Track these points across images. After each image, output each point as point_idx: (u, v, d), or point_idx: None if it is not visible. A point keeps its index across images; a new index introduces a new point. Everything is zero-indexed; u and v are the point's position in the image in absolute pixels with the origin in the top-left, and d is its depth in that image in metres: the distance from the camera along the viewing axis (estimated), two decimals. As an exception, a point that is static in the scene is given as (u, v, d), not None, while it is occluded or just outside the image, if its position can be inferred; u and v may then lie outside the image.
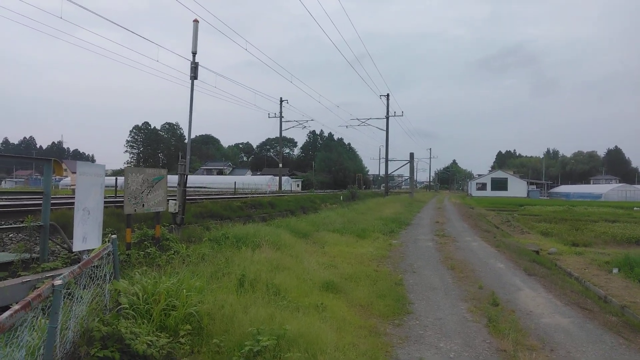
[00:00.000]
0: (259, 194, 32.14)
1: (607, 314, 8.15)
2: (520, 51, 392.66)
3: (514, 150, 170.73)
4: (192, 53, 10.89)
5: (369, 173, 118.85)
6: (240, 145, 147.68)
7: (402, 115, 50.63)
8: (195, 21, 10.70)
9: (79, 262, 4.48)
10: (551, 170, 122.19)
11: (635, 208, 41.33)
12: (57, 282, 3.19)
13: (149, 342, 4.03)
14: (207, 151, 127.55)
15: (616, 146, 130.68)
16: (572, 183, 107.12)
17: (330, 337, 4.97)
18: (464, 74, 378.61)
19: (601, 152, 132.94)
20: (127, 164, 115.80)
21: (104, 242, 6.23)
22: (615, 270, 12.67)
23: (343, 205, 30.47)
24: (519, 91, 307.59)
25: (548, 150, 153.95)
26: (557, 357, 5.44)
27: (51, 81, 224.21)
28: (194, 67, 10.86)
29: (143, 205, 7.85)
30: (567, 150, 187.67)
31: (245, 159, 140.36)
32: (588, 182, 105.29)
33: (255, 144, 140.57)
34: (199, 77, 11.06)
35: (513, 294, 8.58)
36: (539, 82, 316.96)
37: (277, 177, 52.97)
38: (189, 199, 16.86)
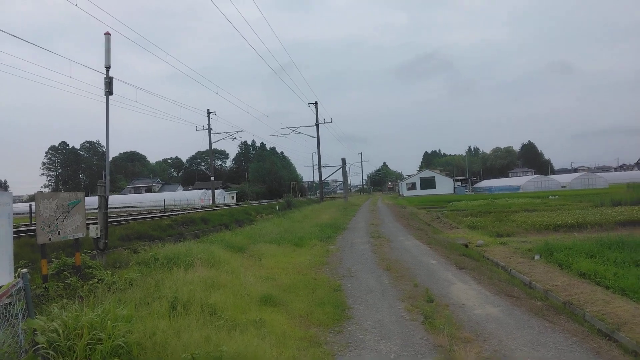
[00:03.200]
0: (192, 209, 31.16)
1: (532, 299, 8.67)
2: (437, 56, 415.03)
3: (439, 149, 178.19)
4: (106, 67, 10.32)
5: (303, 180, 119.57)
6: (169, 161, 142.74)
7: (332, 122, 51.90)
8: (107, 34, 10.16)
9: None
10: (473, 167, 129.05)
11: (550, 197, 44.73)
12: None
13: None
14: (134, 169, 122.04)
15: (529, 141, 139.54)
16: (493, 177, 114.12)
17: (269, 354, 4.83)
18: (388, 79, 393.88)
19: (517, 147, 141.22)
20: (45, 187, 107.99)
21: (16, 276, 5.69)
22: (537, 257, 13.51)
23: (279, 214, 30.31)
24: (440, 94, 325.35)
25: (469, 148, 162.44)
26: (490, 346, 5.67)
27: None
28: (108, 82, 10.30)
29: (59, 232, 7.26)
30: (486, 147, 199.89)
31: (175, 174, 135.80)
32: (507, 176, 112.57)
33: (184, 158, 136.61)
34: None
35: (446, 288, 8.89)
36: (457, 85, 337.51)
37: (210, 191, 51.68)
38: (113, 221, 15.98)
